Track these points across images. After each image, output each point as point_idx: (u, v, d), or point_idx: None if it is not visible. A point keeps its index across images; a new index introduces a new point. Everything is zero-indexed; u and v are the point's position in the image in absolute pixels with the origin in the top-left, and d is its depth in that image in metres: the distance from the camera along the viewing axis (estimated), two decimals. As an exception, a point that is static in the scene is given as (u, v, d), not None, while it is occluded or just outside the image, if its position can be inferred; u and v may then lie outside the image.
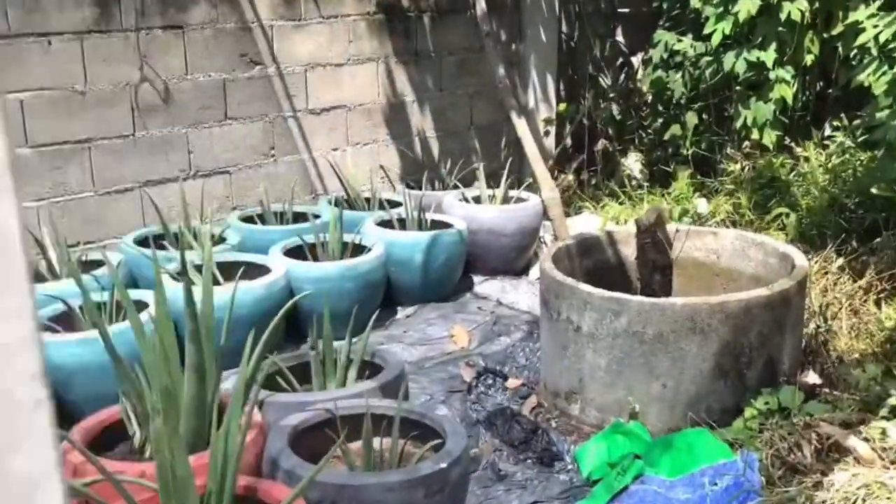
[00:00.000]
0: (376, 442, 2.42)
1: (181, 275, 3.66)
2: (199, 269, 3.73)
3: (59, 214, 4.02)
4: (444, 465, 2.08)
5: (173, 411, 2.29)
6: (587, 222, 5.10)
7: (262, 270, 3.78)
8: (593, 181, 5.72)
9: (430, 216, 4.45)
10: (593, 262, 3.55)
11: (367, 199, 4.83)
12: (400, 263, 4.13)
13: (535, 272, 4.63)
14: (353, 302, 3.81)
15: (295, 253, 4.02)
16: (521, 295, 4.37)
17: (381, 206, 4.67)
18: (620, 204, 5.16)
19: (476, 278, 4.64)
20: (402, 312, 4.20)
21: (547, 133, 5.83)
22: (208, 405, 2.33)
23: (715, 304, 2.77)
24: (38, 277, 3.64)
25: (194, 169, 4.48)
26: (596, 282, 3.46)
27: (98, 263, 3.82)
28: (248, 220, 4.49)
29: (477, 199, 4.88)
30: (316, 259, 4.01)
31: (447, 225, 4.40)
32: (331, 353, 2.76)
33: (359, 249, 4.08)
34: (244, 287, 3.53)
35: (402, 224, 4.38)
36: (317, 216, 4.50)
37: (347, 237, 4.13)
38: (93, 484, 2.05)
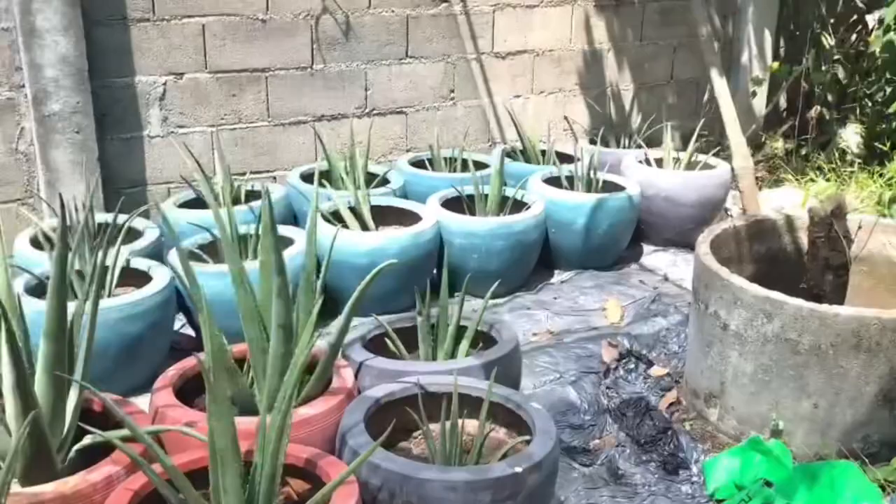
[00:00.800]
0: (468, 426, 2.26)
1: (334, 216, 3.65)
2: (353, 210, 3.68)
3: (232, 142, 4.09)
4: (518, 470, 1.89)
5: (260, 369, 2.24)
6: (785, 197, 4.61)
7: (415, 218, 3.67)
8: (803, 151, 5.15)
9: (602, 176, 4.15)
10: (766, 249, 3.16)
11: (543, 152, 4.59)
12: (560, 225, 3.89)
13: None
14: (504, 262, 3.66)
15: (455, 203, 3.88)
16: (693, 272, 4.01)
17: (557, 161, 4.42)
18: (827, 181, 4.61)
19: (646, 248, 4.31)
20: (557, 277, 3.98)
21: (754, 94, 5.29)
22: (298, 365, 2.25)
23: (888, 319, 2.35)
24: (200, 204, 3.72)
25: (370, 107, 4.42)
26: (764, 273, 3.09)
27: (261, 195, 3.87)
28: (419, 164, 4.40)
29: (660, 162, 4.51)
30: (473, 212, 3.85)
31: (619, 188, 4.09)
32: (446, 320, 2.60)
33: (520, 206, 3.88)
34: (389, 235, 3.44)
35: (571, 182, 4.12)
36: (486, 166, 4.33)
37: (511, 191, 3.93)
38: (162, 433, 2.03)
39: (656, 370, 3.18)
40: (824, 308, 2.41)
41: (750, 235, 3.13)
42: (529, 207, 3.80)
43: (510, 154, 4.60)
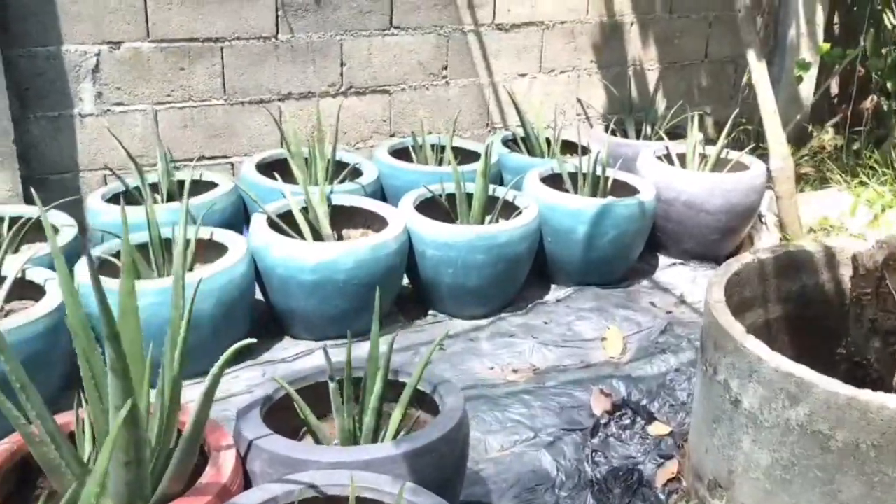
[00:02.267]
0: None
1: (285, 218, 3.08)
2: (306, 213, 3.10)
3: (180, 123, 3.52)
4: None
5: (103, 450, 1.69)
6: (831, 202, 3.96)
7: (384, 224, 3.10)
8: (855, 146, 4.46)
9: (613, 174, 3.52)
10: (799, 288, 2.53)
11: (549, 141, 3.97)
12: (557, 233, 3.30)
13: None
14: (484, 277, 3.08)
15: (438, 204, 3.30)
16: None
17: (559, 154, 3.80)
18: (881, 185, 3.93)
19: (662, 260, 3.70)
20: (553, 293, 3.38)
21: (800, 79, 4.60)
22: (155, 444, 1.70)
23: (954, 420, 1.74)
24: (128, 199, 3.17)
25: (347, 84, 3.82)
26: (796, 317, 2.49)
27: (211, 185, 3.31)
28: (401, 152, 3.80)
29: (683, 159, 3.87)
30: (453, 217, 3.26)
31: (632, 190, 3.47)
32: (374, 377, 2.02)
33: (513, 209, 3.29)
34: (341, 248, 2.86)
35: (575, 181, 3.50)
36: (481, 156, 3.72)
37: (502, 191, 3.34)
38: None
39: (657, 427, 2.60)
40: (867, 397, 1.79)
41: (778, 270, 2.50)
42: (520, 213, 3.21)
43: (509, 143, 3.99)
